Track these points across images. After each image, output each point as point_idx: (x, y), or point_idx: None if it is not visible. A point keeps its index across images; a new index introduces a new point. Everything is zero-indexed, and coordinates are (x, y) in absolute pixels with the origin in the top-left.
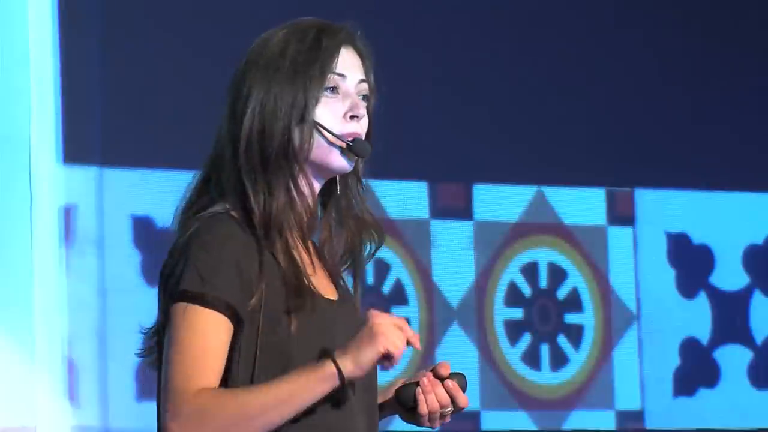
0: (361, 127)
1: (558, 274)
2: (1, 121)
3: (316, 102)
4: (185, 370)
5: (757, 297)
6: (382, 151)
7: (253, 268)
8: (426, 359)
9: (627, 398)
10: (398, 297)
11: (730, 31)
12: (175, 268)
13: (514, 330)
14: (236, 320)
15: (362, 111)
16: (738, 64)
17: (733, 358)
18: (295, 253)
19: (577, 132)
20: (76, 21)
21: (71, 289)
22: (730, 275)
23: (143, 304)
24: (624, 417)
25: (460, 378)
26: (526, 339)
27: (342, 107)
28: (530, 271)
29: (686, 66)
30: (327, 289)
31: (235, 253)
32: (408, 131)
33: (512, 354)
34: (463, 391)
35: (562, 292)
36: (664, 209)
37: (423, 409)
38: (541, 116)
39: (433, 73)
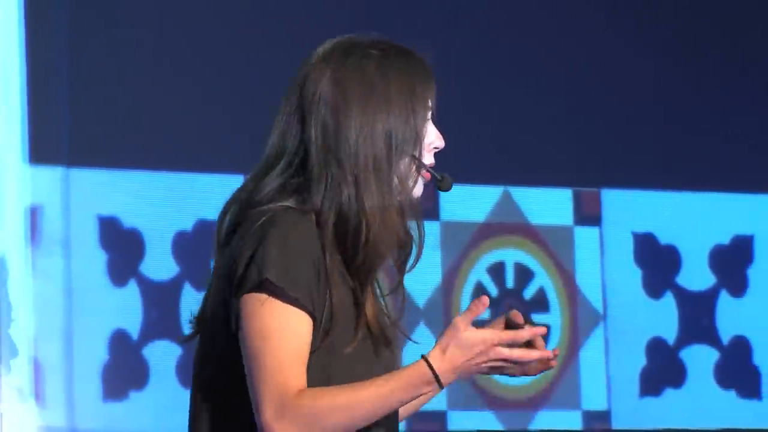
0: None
1: (525, 275)
2: None
3: (424, 136)
4: (283, 369)
5: (724, 297)
6: None
7: (324, 276)
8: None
9: (593, 398)
10: None
11: (697, 31)
12: (255, 255)
13: None
14: (313, 319)
15: (442, 142)
16: (705, 65)
17: (700, 359)
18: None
19: (544, 132)
20: (42, 20)
21: (37, 289)
22: (697, 275)
23: (109, 305)
24: (590, 417)
25: (534, 324)
26: None
27: (431, 140)
28: (497, 271)
29: (653, 67)
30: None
31: (314, 254)
32: None
33: None
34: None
35: (528, 292)
36: (630, 209)
37: (545, 352)
38: (508, 116)
39: None
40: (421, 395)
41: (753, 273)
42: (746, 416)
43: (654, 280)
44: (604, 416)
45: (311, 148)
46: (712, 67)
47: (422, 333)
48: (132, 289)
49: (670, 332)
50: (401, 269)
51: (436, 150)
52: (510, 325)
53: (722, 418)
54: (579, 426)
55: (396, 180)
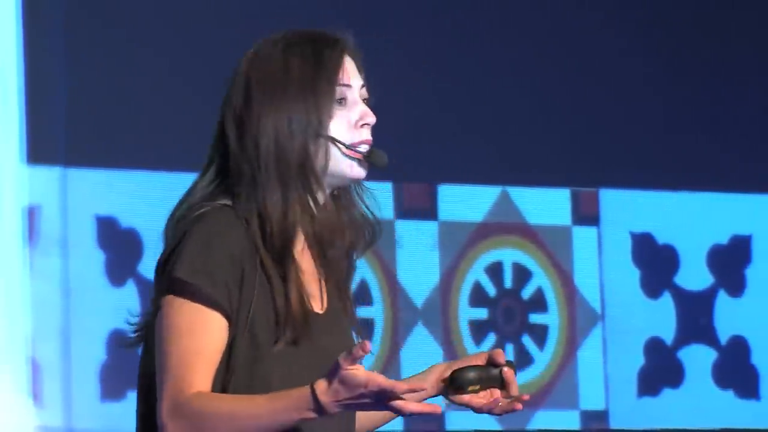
0: (369, 133)
1: (523, 274)
2: None
3: (329, 117)
4: (177, 373)
5: (722, 297)
6: None
7: (248, 272)
8: (391, 359)
9: (591, 398)
10: (363, 297)
11: (697, 32)
12: (172, 254)
13: (479, 330)
14: (227, 318)
15: (372, 117)
16: (704, 66)
17: (698, 358)
18: (303, 277)
19: (542, 132)
20: (40, 20)
21: (35, 289)
22: (695, 275)
23: (107, 304)
24: (588, 417)
25: (512, 365)
26: (491, 339)
27: (353, 116)
28: (495, 271)
29: (652, 67)
30: (317, 299)
31: (235, 251)
32: (373, 131)
33: None
34: None
35: (526, 292)
36: (628, 209)
37: (515, 390)
38: (506, 116)
39: (397, 74)
40: (304, 418)
41: (751, 273)
42: (744, 416)
43: (652, 279)
44: (602, 416)
45: (230, 148)
46: (709, 67)
47: (420, 333)
48: (130, 289)
49: (668, 332)
50: (348, 255)
51: (367, 126)
52: (490, 362)
53: (720, 418)
54: (577, 426)
55: (311, 165)
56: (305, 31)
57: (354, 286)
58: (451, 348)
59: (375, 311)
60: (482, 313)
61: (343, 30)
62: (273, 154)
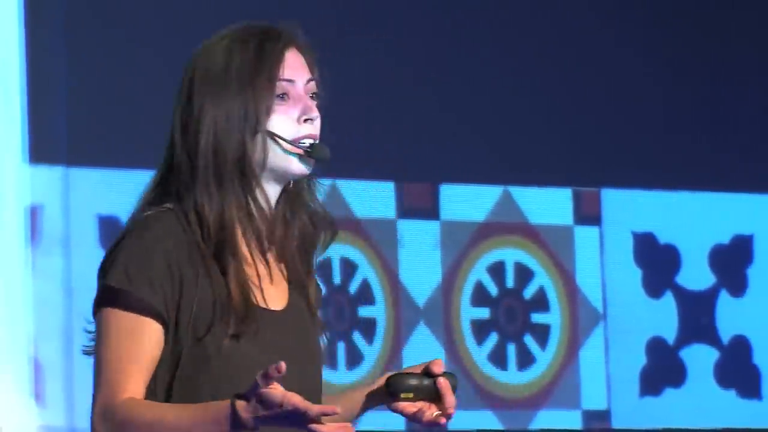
0: (315, 128)
1: (524, 274)
2: None
3: (268, 112)
4: (110, 378)
5: (723, 297)
6: (349, 151)
7: (187, 272)
8: (393, 358)
9: (593, 398)
10: (365, 296)
11: (699, 31)
12: (105, 262)
13: (481, 329)
14: (162, 322)
15: (315, 113)
16: (706, 66)
17: (699, 358)
18: (248, 272)
19: (544, 132)
20: (41, 19)
21: (37, 288)
22: (697, 275)
23: None
24: (590, 416)
25: (452, 378)
26: (493, 338)
27: (294, 112)
28: (497, 270)
29: (654, 67)
30: (277, 299)
31: (170, 252)
32: (375, 131)
33: (479, 353)
34: (453, 391)
35: (528, 292)
36: (630, 209)
37: (448, 402)
38: (508, 116)
39: (400, 73)
40: (223, 431)
41: (753, 273)
42: (746, 416)
43: (654, 279)
44: (604, 416)
45: (177, 154)
46: (710, 67)
47: (422, 333)
48: None
49: (670, 332)
50: (305, 254)
51: (310, 121)
52: (427, 372)
53: (722, 418)
54: (579, 426)
55: (249, 161)
56: (253, 25)
57: (355, 285)
58: (453, 347)
59: (377, 311)
60: (484, 313)
61: (294, 24)
62: (211, 150)
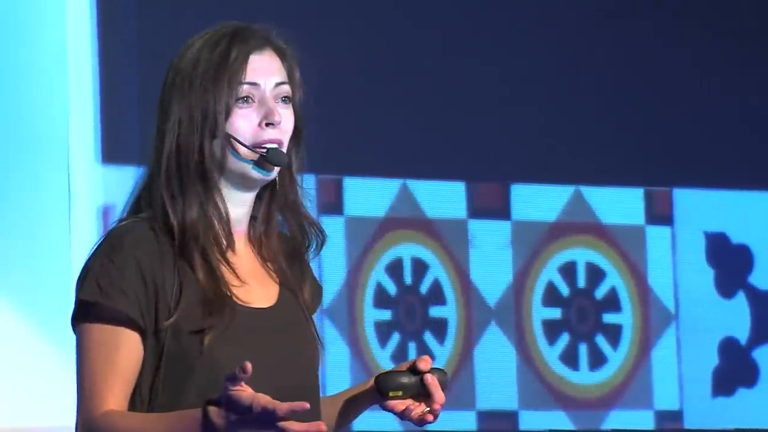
0: (280, 132)
1: (596, 274)
2: (39, 121)
3: (227, 114)
4: (90, 391)
5: None
6: (421, 151)
7: (161, 278)
8: (464, 359)
9: (666, 398)
10: (436, 297)
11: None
12: (80, 276)
13: (552, 330)
14: (139, 330)
15: (277, 117)
16: None
17: None
18: (217, 269)
19: (616, 131)
20: (113, 20)
21: None
22: None
23: None
24: (663, 417)
25: (440, 374)
26: (564, 339)
27: (256, 116)
28: (568, 270)
29: (724, 67)
30: (263, 297)
31: (142, 260)
32: (446, 131)
33: (550, 354)
34: (443, 388)
35: (600, 292)
36: (702, 209)
37: (436, 398)
38: (580, 116)
39: (471, 74)
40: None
41: None
42: None
43: (726, 279)
44: (677, 416)
45: (150, 156)
46: None
47: (493, 333)
48: None
49: (742, 332)
50: (295, 258)
51: (271, 126)
52: (414, 369)
53: None
54: (651, 426)
55: (207, 163)
56: (227, 25)
57: (427, 285)
58: (524, 348)
59: (448, 311)
60: (556, 313)
61: (269, 26)
62: (174, 151)
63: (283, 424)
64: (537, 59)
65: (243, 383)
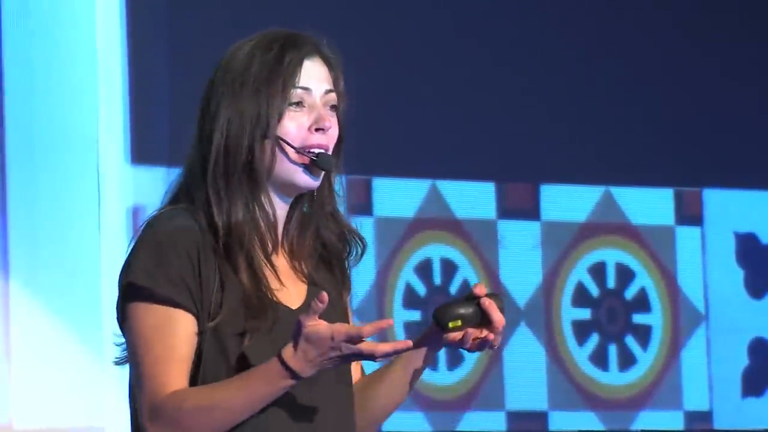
0: (327, 139)
1: (626, 275)
2: (69, 121)
3: (280, 117)
4: (151, 375)
5: None
6: (450, 152)
7: (205, 272)
8: (494, 359)
9: (695, 398)
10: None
11: None
12: (125, 264)
13: (582, 330)
14: (192, 314)
15: (328, 123)
16: None
17: None
18: (260, 270)
19: (645, 132)
20: (143, 21)
21: None
22: None
23: None
24: (692, 417)
25: (496, 298)
26: (594, 339)
27: (307, 120)
28: (598, 271)
29: (753, 67)
30: (293, 298)
31: (187, 249)
32: (475, 132)
33: (580, 354)
34: (501, 311)
35: (629, 293)
36: (732, 209)
37: (495, 319)
38: (609, 116)
39: (500, 75)
40: (282, 388)
41: None
42: None
43: (756, 280)
44: (706, 416)
45: (192, 155)
46: None
47: (522, 333)
48: None
49: None
50: (335, 264)
51: (322, 131)
52: (470, 297)
53: None
54: (681, 426)
55: (256, 165)
56: (279, 31)
57: (456, 286)
58: (553, 348)
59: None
60: (585, 314)
61: (320, 35)
62: (222, 150)
63: (368, 346)
64: (568, 61)
65: (317, 317)
